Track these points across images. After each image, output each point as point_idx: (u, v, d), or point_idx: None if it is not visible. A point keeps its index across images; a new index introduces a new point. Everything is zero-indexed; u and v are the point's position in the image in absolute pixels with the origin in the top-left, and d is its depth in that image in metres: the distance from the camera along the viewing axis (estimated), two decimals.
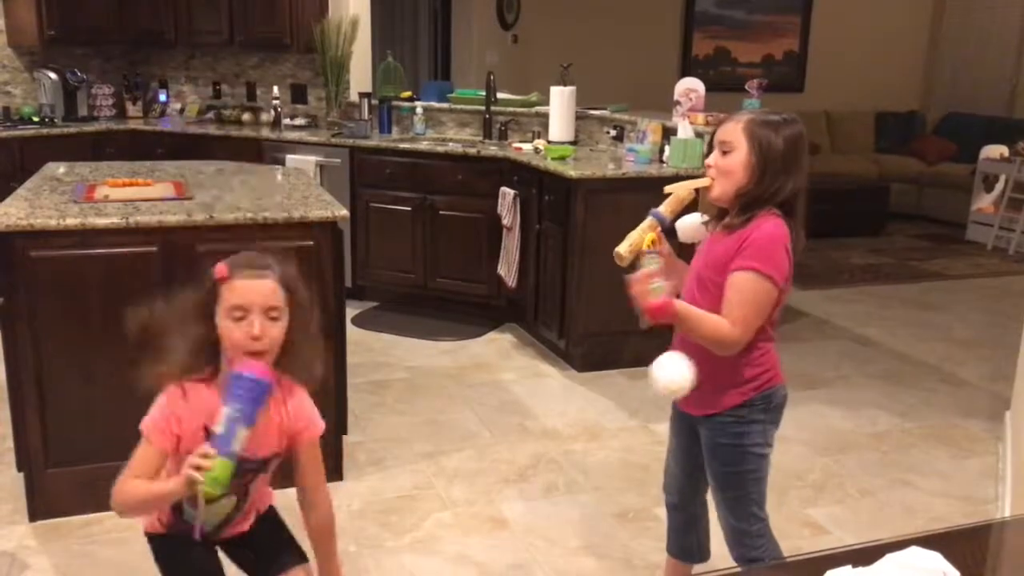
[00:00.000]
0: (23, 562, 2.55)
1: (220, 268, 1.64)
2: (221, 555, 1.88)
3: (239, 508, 1.79)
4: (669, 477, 2.25)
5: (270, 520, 1.89)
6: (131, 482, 1.64)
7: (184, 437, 1.66)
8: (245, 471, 1.70)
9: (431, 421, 3.58)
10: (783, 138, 1.86)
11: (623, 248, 1.90)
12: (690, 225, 2.05)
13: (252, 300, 1.61)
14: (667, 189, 1.99)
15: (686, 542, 2.25)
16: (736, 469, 2.00)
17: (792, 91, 8.41)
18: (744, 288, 1.84)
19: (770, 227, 1.85)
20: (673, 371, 1.86)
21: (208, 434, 1.59)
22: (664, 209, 1.97)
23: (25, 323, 2.61)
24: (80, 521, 2.75)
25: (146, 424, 1.67)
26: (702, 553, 2.26)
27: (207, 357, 1.67)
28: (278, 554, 1.85)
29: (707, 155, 1.98)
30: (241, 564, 1.91)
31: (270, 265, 1.66)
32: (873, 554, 1.20)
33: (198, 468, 1.50)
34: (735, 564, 2.07)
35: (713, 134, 1.96)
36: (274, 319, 1.63)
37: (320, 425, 1.79)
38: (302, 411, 1.75)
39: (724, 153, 1.89)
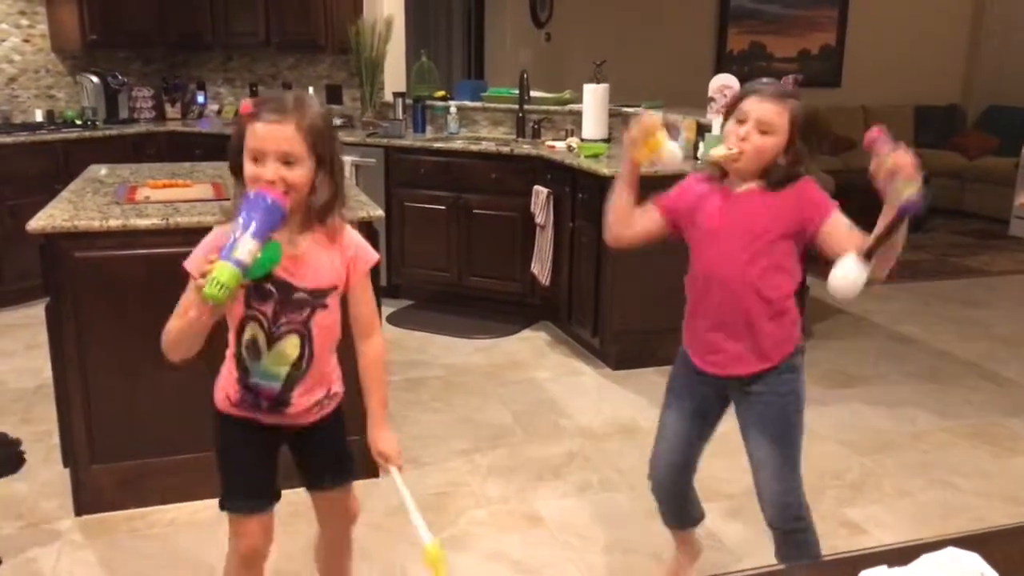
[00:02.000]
0: (69, 556, 2.61)
1: (245, 105, 1.66)
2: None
3: (306, 356, 1.76)
4: (664, 465, 2.22)
5: (333, 426, 1.91)
6: (169, 323, 1.66)
7: None
8: (300, 303, 1.72)
9: (466, 419, 3.60)
10: (814, 126, 1.95)
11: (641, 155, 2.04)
12: (674, 152, 2.05)
13: (267, 145, 1.61)
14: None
15: (685, 512, 2.32)
16: (794, 422, 2.03)
17: (829, 86, 8.30)
18: (846, 220, 1.93)
19: (810, 183, 1.95)
20: (848, 268, 1.85)
21: None
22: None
23: (70, 322, 2.68)
24: (124, 516, 2.81)
25: (189, 263, 1.68)
26: (700, 512, 2.34)
27: (239, 192, 1.69)
28: (330, 465, 1.91)
29: (727, 116, 1.97)
30: (301, 460, 1.94)
31: (294, 109, 1.64)
32: (909, 554, 1.19)
33: (203, 275, 1.52)
34: (771, 551, 2.09)
35: (739, 100, 1.95)
36: (290, 164, 1.63)
37: (373, 255, 1.82)
38: (349, 243, 1.77)
39: (762, 132, 1.89)
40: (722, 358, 2.02)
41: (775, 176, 1.92)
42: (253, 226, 1.54)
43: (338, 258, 1.76)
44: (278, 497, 1.89)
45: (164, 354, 1.69)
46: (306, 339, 1.76)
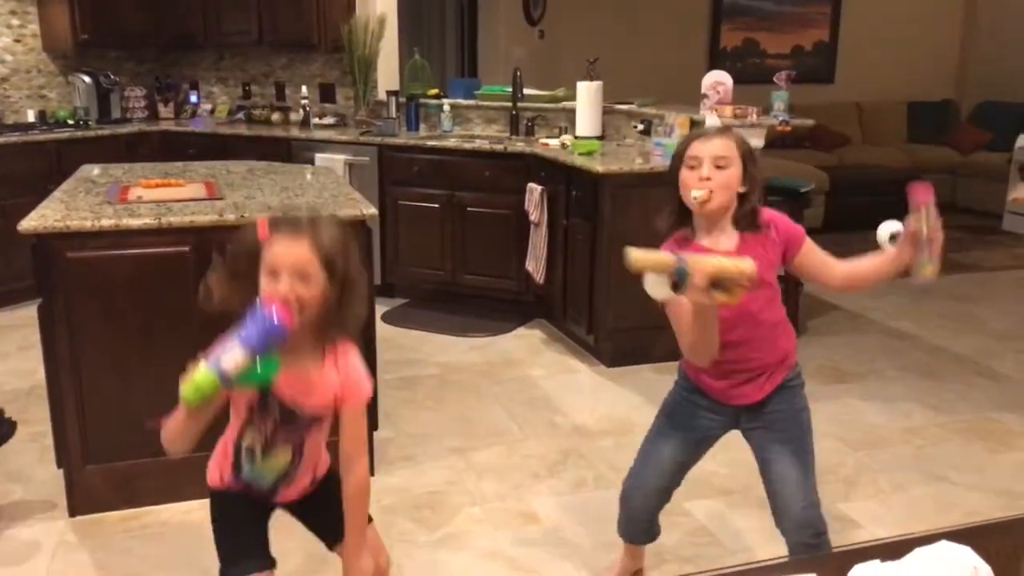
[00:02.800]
0: (63, 556, 2.61)
1: (262, 225, 1.68)
2: (288, 518, 1.95)
3: (294, 464, 1.84)
4: (652, 494, 2.27)
5: (332, 483, 1.92)
6: (169, 419, 1.69)
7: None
8: (296, 423, 1.76)
9: (461, 417, 3.60)
10: (755, 153, 2.03)
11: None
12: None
13: (283, 263, 1.64)
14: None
15: (651, 530, 2.38)
16: (809, 432, 2.10)
17: (822, 82, 8.32)
18: (815, 247, 2.05)
19: (773, 213, 2.03)
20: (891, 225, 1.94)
21: None
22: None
23: (63, 323, 2.67)
24: (118, 516, 2.81)
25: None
26: (658, 529, 2.40)
27: (239, 298, 1.70)
28: (340, 518, 1.90)
29: (677, 168, 1.99)
30: (307, 523, 1.98)
31: (308, 228, 1.66)
32: (902, 548, 1.19)
33: (188, 378, 1.55)
34: (769, 547, 2.07)
35: (683, 151, 1.99)
36: (304, 281, 1.65)
37: (367, 390, 1.82)
38: (351, 372, 1.78)
39: (719, 168, 1.94)
40: (743, 391, 2.07)
41: (745, 220, 1.98)
42: (248, 338, 1.55)
43: (339, 381, 1.78)
44: (274, 564, 1.90)
45: (165, 447, 1.73)
46: (298, 450, 1.83)
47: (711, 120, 4.03)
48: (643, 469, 2.27)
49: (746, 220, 1.98)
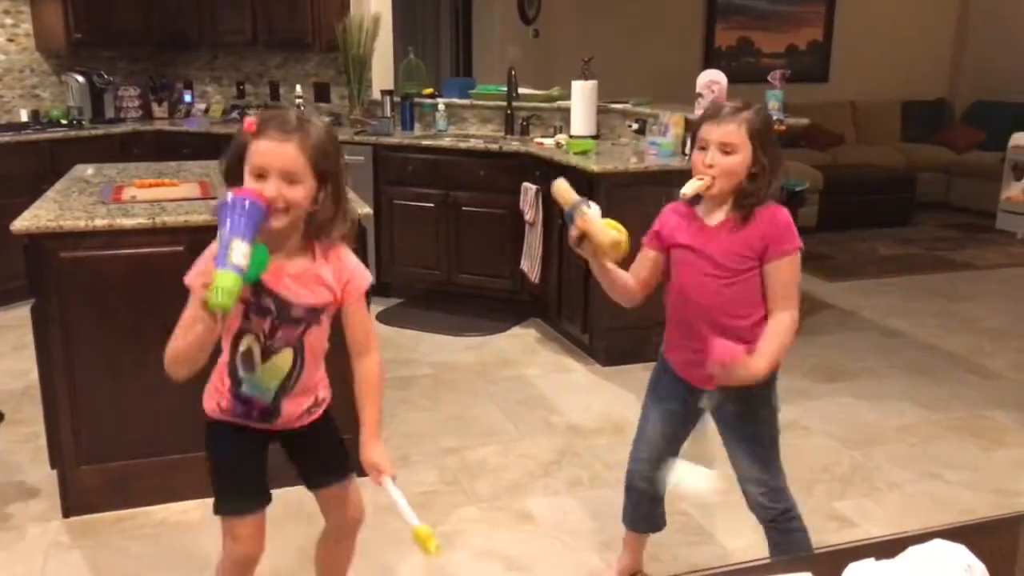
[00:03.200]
0: (57, 557, 2.60)
1: (249, 122, 1.66)
2: (278, 451, 1.94)
3: (295, 368, 1.81)
4: (644, 462, 2.29)
5: (325, 427, 1.94)
6: (173, 341, 1.65)
7: None
8: (293, 318, 1.75)
9: (456, 416, 3.60)
10: (775, 138, 2.01)
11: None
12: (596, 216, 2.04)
13: (271, 163, 1.62)
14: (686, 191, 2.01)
15: (656, 516, 2.41)
16: (773, 428, 2.12)
17: (817, 81, 8.33)
18: (791, 271, 1.99)
19: (782, 211, 2.00)
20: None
21: (252, 284, 1.64)
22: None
23: (56, 323, 2.66)
24: (112, 517, 2.80)
25: (189, 277, 1.67)
26: (663, 519, 2.43)
27: None
28: (328, 463, 1.94)
29: (689, 150, 2.04)
30: (297, 461, 1.96)
31: (297, 128, 1.65)
32: (896, 547, 1.20)
33: (204, 286, 1.51)
34: (763, 546, 2.15)
35: (696, 130, 2.01)
36: (293, 183, 1.64)
37: (367, 277, 1.84)
38: (345, 264, 1.79)
39: (726, 153, 1.95)
40: (696, 372, 2.10)
41: (746, 202, 1.98)
42: (241, 228, 1.53)
43: (334, 277, 1.78)
44: (270, 499, 1.90)
45: (168, 372, 1.68)
46: (299, 353, 1.80)
47: None
48: (636, 444, 2.32)
49: (747, 201, 1.98)
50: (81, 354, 2.70)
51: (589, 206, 1.93)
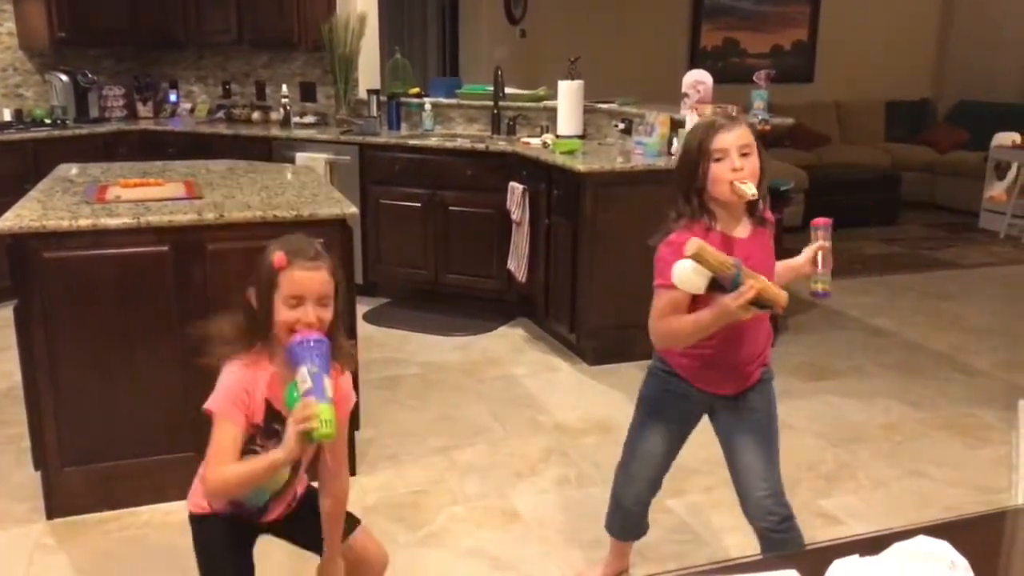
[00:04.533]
0: (42, 560, 2.58)
1: (279, 258, 1.71)
2: (273, 540, 1.97)
3: (291, 479, 1.87)
4: (643, 484, 2.30)
5: (311, 498, 1.95)
6: (227, 467, 1.68)
7: (251, 412, 1.73)
8: None
9: (443, 416, 3.60)
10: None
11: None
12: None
13: (308, 290, 1.70)
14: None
15: (641, 525, 2.42)
16: (776, 424, 2.13)
17: (802, 81, 8.38)
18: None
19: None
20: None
21: (268, 408, 1.71)
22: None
23: (39, 324, 2.64)
24: (96, 519, 2.78)
25: (218, 405, 1.71)
26: (647, 525, 2.44)
27: (257, 337, 1.75)
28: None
29: (696, 162, 1.95)
30: (295, 540, 1.99)
31: (322, 255, 1.74)
32: (881, 544, 1.20)
33: (306, 420, 1.56)
34: (750, 543, 2.17)
35: (706, 145, 1.93)
36: (325, 306, 1.72)
37: (353, 399, 1.90)
38: (345, 388, 1.84)
39: (745, 155, 1.93)
40: (722, 382, 2.10)
41: (756, 206, 2.00)
42: (324, 365, 1.62)
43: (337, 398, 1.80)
44: None
45: (214, 496, 1.77)
46: (295, 469, 1.86)
47: (691, 120, 4.05)
48: (632, 463, 2.29)
49: (755, 207, 1.99)
50: (65, 355, 2.68)
51: (742, 267, 1.81)
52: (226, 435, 1.69)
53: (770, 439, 2.12)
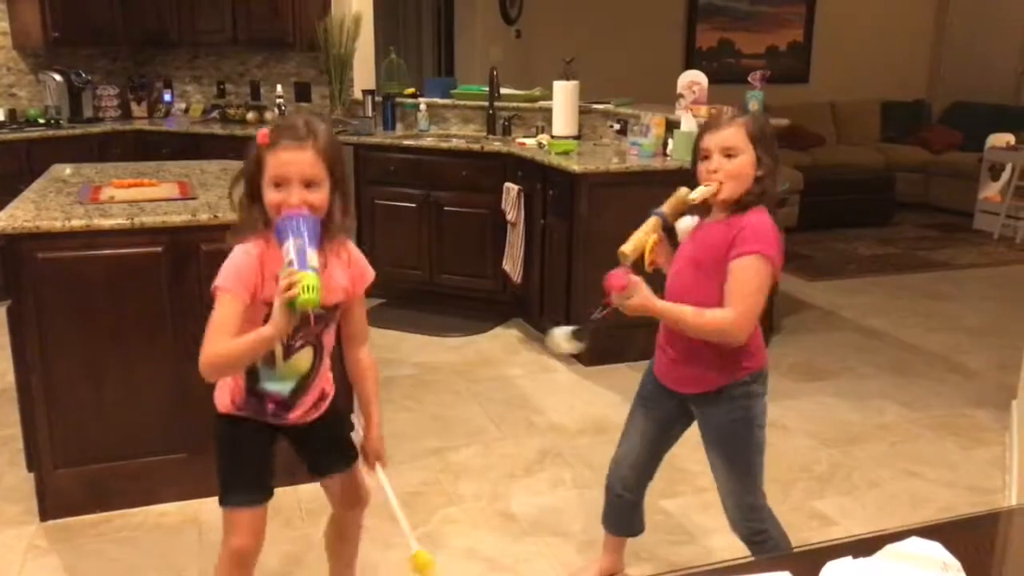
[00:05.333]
0: (35, 561, 2.57)
1: (262, 134, 1.70)
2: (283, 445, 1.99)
3: (315, 365, 1.87)
4: (627, 468, 2.31)
5: (333, 420, 2.01)
6: (222, 342, 1.66)
7: (261, 287, 1.72)
8: (317, 319, 1.78)
9: (438, 417, 3.59)
10: (773, 136, 2.00)
11: (628, 248, 2.00)
12: (688, 227, 2.09)
13: (291, 171, 1.67)
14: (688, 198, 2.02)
15: (634, 521, 2.41)
16: (748, 443, 2.08)
17: (797, 82, 8.39)
18: (748, 272, 1.91)
19: (761, 215, 1.97)
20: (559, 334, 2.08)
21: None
22: (666, 209, 2.04)
23: (33, 325, 2.63)
24: (90, 520, 2.77)
25: (224, 281, 1.70)
26: (642, 525, 2.42)
27: (261, 217, 1.73)
28: (336, 452, 2.01)
29: (695, 161, 2.04)
30: (303, 453, 2.02)
31: (311, 134, 1.70)
32: (873, 545, 1.21)
33: (289, 287, 1.55)
34: (743, 545, 2.16)
35: (697, 142, 2.02)
36: (312, 187, 1.68)
37: (371, 272, 1.91)
38: (356, 261, 1.87)
39: (728, 157, 1.95)
40: (674, 376, 2.12)
41: (747, 199, 1.97)
42: (308, 239, 1.61)
43: (346, 274, 1.84)
44: (272, 494, 1.93)
45: (207, 373, 1.71)
46: (317, 351, 1.87)
47: (687, 121, 4.05)
48: (621, 443, 2.32)
49: (749, 203, 1.98)
50: (58, 356, 2.67)
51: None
52: (226, 311, 1.68)
53: (735, 455, 2.10)
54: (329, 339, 1.88)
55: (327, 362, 1.91)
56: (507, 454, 3.27)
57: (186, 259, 2.72)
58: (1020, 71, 8.23)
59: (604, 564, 2.49)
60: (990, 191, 7.25)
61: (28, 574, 2.51)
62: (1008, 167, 7.05)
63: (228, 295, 1.69)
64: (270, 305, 1.67)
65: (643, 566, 2.58)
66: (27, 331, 2.64)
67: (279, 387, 1.86)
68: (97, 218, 2.66)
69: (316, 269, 1.59)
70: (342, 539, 2.17)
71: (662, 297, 2.08)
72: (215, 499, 1.91)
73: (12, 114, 5.47)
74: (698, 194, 1.98)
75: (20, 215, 2.67)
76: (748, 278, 1.91)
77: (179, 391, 2.70)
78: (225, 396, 1.89)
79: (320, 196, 1.69)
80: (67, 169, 3.64)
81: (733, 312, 1.91)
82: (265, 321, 1.72)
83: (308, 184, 1.67)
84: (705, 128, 2.02)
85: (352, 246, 1.87)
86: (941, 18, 8.88)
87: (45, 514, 2.77)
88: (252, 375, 1.85)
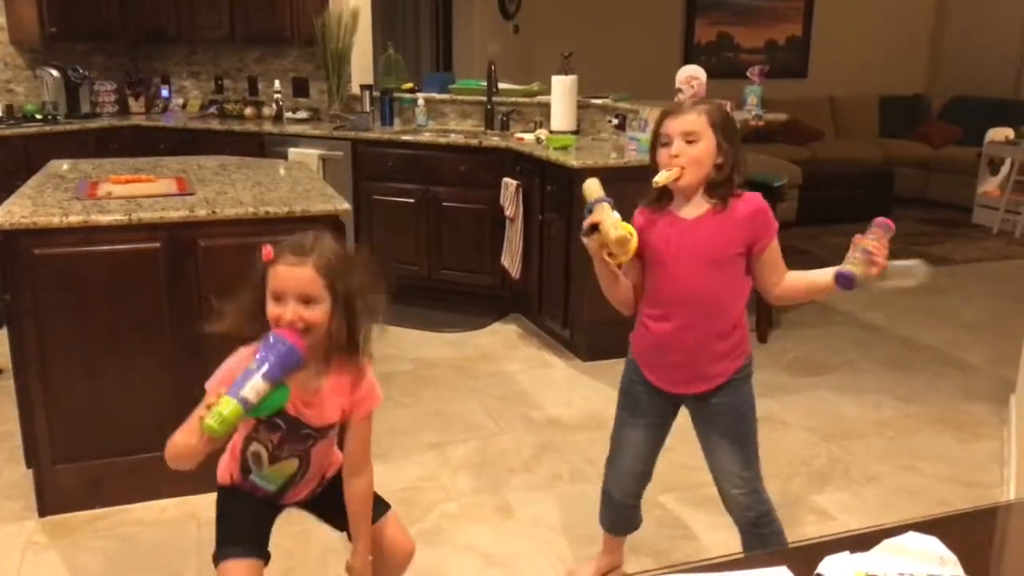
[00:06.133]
0: (33, 558, 2.57)
1: (267, 250, 1.69)
2: (303, 512, 1.98)
3: (301, 472, 1.86)
4: (628, 479, 2.30)
5: (340, 482, 1.93)
6: (179, 434, 1.66)
7: None
8: (302, 435, 1.77)
9: (436, 412, 3.59)
10: (734, 123, 2.02)
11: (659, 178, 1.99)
12: (617, 219, 2.03)
13: (288, 287, 1.66)
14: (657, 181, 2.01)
15: (634, 519, 2.42)
16: (751, 424, 2.12)
17: (795, 76, 8.38)
18: (779, 250, 2.04)
19: (756, 197, 2.01)
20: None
21: None
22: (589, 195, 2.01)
23: (31, 321, 2.63)
24: (88, 516, 2.77)
25: (210, 382, 1.71)
26: (639, 520, 2.44)
27: (258, 327, 1.71)
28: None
29: (654, 147, 2.04)
30: (319, 516, 2.00)
31: (312, 251, 1.68)
32: (871, 540, 1.21)
33: (208, 406, 1.53)
34: (741, 541, 2.17)
35: (657, 128, 2.02)
36: (310, 304, 1.67)
37: (379, 398, 1.86)
38: (365, 384, 1.82)
39: (689, 143, 1.96)
40: (683, 377, 2.10)
41: (718, 190, 1.98)
42: (266, 368, 1.56)
43: (349, 395, 1.80)
44: (268, 557, 1.89)
45: (168, 461, 1.69)
46: (303, 461, 1.85)
47: None
48: (616, 457, 2.31)
49: (718, 193, 1.98)
50: (56, 352, 2.67)
51: (612, 205, 1.95)
52: (200, 405, 1.66)
53: (744, 439, 2.11)
54: (320, 452, 1.85)
55: (320, 467, 1.89)
56: (505, 449, 3.28)
57: (184, 255, 2.72)
58: (1019, 65, 8.23)
59: (603, 562, 2.49)
60: (989, 186, 7.25)
61: (27, 570, 2.51)
62: (1007, 162, 7.05)
63: (209, 392, 1.66)
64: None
65: (641, 561, 2.58)
66: (24, 327, 2.63)
67: (265, 485, 1.86)
68: (94, 214, 2.66)
69: (247, 401, 1.53)
70: None
71: (662, 296, 2.07)
72: (214, 495, 1.90)
73: (9, 110, 5.46)
74: (662, 178, 1.98)
75: (17, 211, 2.66)
76: (780, 254, 2.05)
77: (177, 386, 2.70)
78: (224, 471, 1.89)
79: (316, 314, 1.67)
80: (64, 165, 3.63)
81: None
82: (253, 429, 1.75)
83: (306, 301, 1.66)
84: (665, 114, 2.01)
85: (370, 371, 1.83)
86: (940, 12, 8.87)
87: (44, 510, 2.77)
88: (244, 466, 1.84)
